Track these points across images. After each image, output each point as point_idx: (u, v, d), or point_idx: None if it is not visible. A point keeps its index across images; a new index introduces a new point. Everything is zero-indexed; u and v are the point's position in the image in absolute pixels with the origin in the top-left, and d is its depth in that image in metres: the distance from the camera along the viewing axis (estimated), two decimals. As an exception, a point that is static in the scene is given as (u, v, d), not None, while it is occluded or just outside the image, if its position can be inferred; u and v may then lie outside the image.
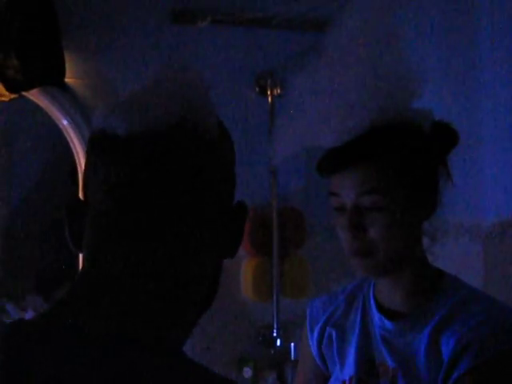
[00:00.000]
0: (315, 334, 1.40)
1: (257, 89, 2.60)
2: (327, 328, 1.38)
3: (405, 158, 1.24)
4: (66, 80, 2.25)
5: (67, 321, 0.73)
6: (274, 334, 2.57)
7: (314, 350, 1.41)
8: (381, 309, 1.32)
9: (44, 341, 0.72)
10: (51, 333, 0.73)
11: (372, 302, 1.34)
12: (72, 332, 0.72)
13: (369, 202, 1.23)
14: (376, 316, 1.32)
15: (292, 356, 2.56)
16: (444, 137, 1.28)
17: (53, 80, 2.18)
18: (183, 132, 0.77)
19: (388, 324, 1.30)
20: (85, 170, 0.80)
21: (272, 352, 2.59)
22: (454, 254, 2.35)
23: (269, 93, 2.58)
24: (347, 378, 1.32)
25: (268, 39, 2.59)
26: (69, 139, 2.25)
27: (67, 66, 2.23)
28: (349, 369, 1.33)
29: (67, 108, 2.24)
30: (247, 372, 2.55)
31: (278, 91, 2.58)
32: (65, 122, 2.25)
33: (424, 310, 1.28)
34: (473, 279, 1.96)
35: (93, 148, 0.80)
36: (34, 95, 2.22)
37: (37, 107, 2.24)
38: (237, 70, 2.57)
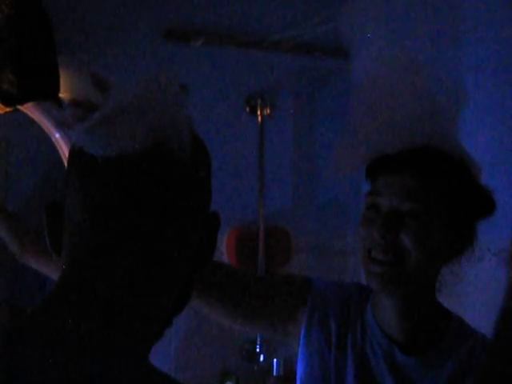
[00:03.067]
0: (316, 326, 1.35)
1: (247, 108, 2.65)
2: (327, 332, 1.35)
3: (453, 186, 1.25)
4: (60, 95, 2.28)
5: (41, 326, 0.75)
6: (258, 350, 2.60)
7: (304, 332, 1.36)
8: (386, 335, 1.30)
9: (20, 346, 0.73)
10: (26, 338, 0.74)
11: (375, 327, 1.31)
12: (44, 337, 0.74)
13: (408, 207, 1.22)
14: (384, 343, 1.30)
15: (274, 372, 2.57)
16: (483, 201, 1.29)
17: (47, 95, 2.21)
18: (157, 155, 0.78)
19: (399, 356, 1.28)
20: (65, 179, 0.81)
21: (255, 367, 2.61)
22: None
23: (259, 113, 2.63)
24: None
25: (259, 60, 2.64)
26: (61, 152, 2.28)
27: (62, 81, 2.27)
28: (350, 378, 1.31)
29: (60, 122, 2.27)
30: (229, 386, 2.57)
31: (268, 111, 2.64)
32: (57, 135, 2.29)
33: (437, 351, 1.28)
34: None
35: (72, 163, 0.81)
36: (28, 109, 2.25)
37: (31, 120, 2.28)
38: (228, 90, 2.61)
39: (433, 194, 1.23)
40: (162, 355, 2.47)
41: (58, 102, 2.27)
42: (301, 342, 1.36)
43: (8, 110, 2.21)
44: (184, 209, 0.80)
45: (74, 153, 0.80)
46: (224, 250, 2.61)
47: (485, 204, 1.28)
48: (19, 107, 2.22)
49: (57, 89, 2.24)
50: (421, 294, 1.29)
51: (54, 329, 0.74)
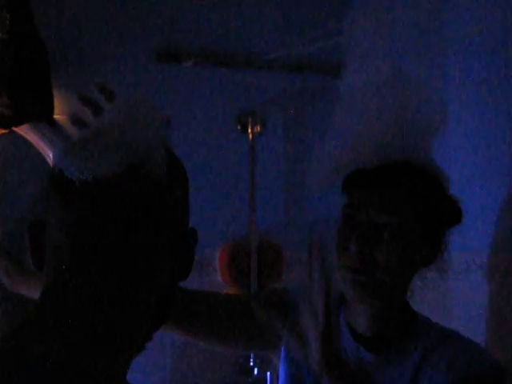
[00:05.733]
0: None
1: (238, 126, 2.68)
2: None
3: (427, 199, 1.29)
4: (54, 116, 2.32)
5: (21, 343, 0.77)
6: (251, 364, 2.62)
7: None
8: (354, 334, 1.34)
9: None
10: (5, 357, 0.76)
11: (345, 327, 1.35)
12: (22, 356, 0.76)
13: (385, 220, 1.25)
14: (351, 344, 1.33)
15: (268, 385, 2.61)
16: (452, 211, 1.33)
17: (42, 116, 2.24)
18: (132, 177, 0.80)
19: (366, 355, 1.32)
20: (46, 199, 0.84)
21: (249, 381, 2.62)
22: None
23: (250, 130, 2.66)
24: None
25: (249, 79, 2.68)
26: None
27: (55, 102, 2.31)
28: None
29: (55, 142, 2.31)
30: (224, 400, 2.59)
31: (259, 129, 2.68)
32: (52, 155, 2.32)
33: (402, 346, 1.32)
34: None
35: (52, 184, 0.83)
36: (24, 130, 2.28)
37: (26, 141, 2.31)
38: (219, 108, 2.65)
39: (408, 207, 1.27)
40: (158, 369, 2.50)
41: (52, 123, 2.31)
42: (283, 345, 1.38)
43: (3, 131, 2.25)
44: (160, 227, 0.83)
45: (54, 174, 0.83)
46: (217, 267, 2.64)
47: (454, 213, 1.33)
48: (14, 128, 2.26)
49: (51, 110, 2.28)
50: (391, 300, 1.33)
51: (34, 346, 0.77)
